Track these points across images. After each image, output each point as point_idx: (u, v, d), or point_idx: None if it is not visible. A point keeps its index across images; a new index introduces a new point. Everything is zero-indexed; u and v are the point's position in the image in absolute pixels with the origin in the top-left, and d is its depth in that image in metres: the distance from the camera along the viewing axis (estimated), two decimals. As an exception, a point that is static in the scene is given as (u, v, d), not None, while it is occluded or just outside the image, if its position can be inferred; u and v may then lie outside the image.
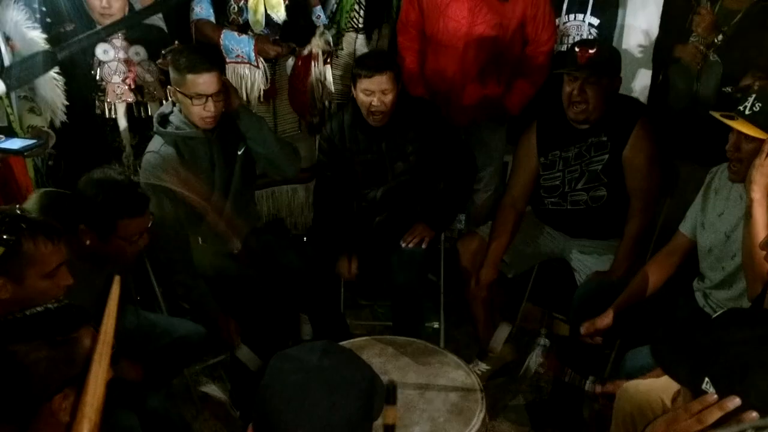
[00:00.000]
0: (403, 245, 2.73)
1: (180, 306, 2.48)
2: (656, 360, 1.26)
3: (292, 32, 2.87)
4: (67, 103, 2.52)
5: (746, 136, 1.90)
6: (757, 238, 1.79)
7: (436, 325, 3.00)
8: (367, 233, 2.84)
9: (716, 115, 1.95)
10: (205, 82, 2.33)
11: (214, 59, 2.46)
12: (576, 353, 2.37)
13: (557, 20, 3.01)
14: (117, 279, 1.39)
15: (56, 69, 2.46)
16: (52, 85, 2.46)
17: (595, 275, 2.53)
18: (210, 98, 2.35)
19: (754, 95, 1.90)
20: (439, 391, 1.92)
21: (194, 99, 2.34)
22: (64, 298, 1.66)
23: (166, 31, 2.80)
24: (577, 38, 2.99)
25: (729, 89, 2.44)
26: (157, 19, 2.77)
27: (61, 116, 2.52)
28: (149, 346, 2.14)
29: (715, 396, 1.10)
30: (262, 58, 2.83)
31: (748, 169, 1.84)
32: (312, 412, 1.08)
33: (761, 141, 1.85)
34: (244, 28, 2.83)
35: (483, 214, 3.17)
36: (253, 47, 2.78)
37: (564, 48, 3.02)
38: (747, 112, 1.90)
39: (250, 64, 2.82)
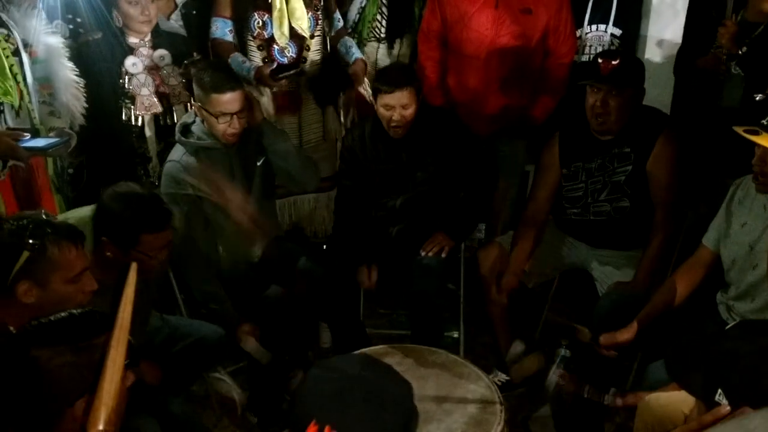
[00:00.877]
0: (423, 254, 2.73)
1: (200, 311, 2.49)
2: (669, 372, 1.25)
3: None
4: (87, 106, 2.53)
5: None
6: None
7: (455, 335, 2.99)
8: (387, 242, 2.84)
9: (739, 130, 1.94)
10: (229, 100, 2.37)
11: (237, 77, 2.50)
12: (597, 365, 2.35)
13: (579, 31, 3.00)
14: (134, 265, 1.40)
15: (76, 72, 2.49)
16: (71, 89, 2.49)
17: (617, 286, 2.51)
18: (235, 116, 2.40)
19: None
20: (458, 403, 1.90)
21: (219, 117, 2.38)
22: (88, 304, 1.69)
23: (187, 36, 2.84)
24: (599, 49, 2.98)
25: (758, 96, 2.40)
26: (178, 27, 2.81)
27: (80, 119, 2.53)
28: (170, 348, 2.16)
29: (728, 408, 1.09)
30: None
31: None
32: (352, 423, 1.06)
33: None
34: (269, 41, 2.86)
35: (504, 224, 3.17)
36: (253, 74, 2.79)
37: (585, 58, 3.02)
38: None
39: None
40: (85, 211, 2.06)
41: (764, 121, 1.91)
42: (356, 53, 2.99)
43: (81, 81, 2.51)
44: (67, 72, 2.47)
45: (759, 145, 1.92)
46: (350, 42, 3.02)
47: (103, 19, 2.62)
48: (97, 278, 1.72)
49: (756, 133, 1.91)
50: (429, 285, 2.71)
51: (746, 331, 1.18)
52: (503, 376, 2.74)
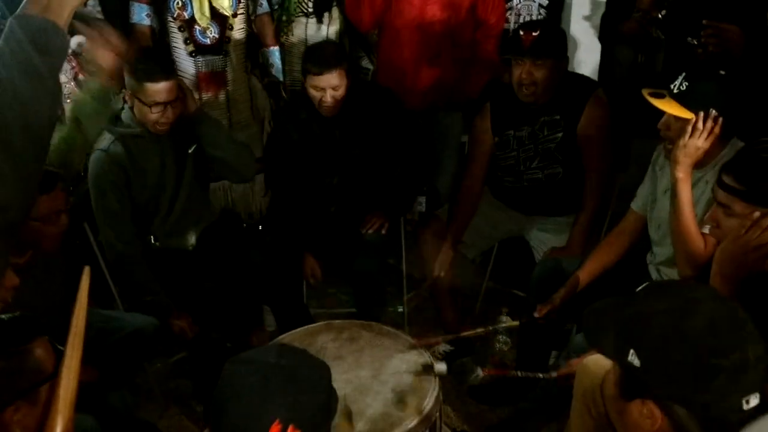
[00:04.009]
0: (363, 232, 2.73)
1: (138, 304, 2.44)
2: (584, 334, 1.27)
3: None
4: None
5: (674, 115, 1.92)
6: (683, 217, 1.83)
7: (400, 309, 3.02)
8: (327, 221, 2.83)
9: (645, 93, 1.96)
10: (163, 89, 2.32)
11: (170, 66, 2.45)
12: (537, 331, 2.41)
13: (509, 2, 3.02)
14: (87, 269, 1.36)
15: None
16: None
17: (551, 251, 2.56)
18: (168, 105, 2.35)
19: (683, 74, 1.92)
20: (393, 373, 1.94)
21: (152, 107, 2.33)
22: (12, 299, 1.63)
23: (104, 20, 2.74)
24: (527, 18, 3.01)
25: (693, 41, 2.40)
26: (95, 12, 2.71)
27: None
28: (103, 342, 2.11)
29: None
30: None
31: (672, 149, 1.87)
32: (274, 411, 1.07)
33: (688, 120, 1.87)
34: (190, 22, 2.79)
35: (443, 196, 3.19)
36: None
37: (514, 27, 3.05)
38: (675, 90, 1.92)
39: None
40: None
41: (671, 86, 1.93)
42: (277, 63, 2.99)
43: None
44: None
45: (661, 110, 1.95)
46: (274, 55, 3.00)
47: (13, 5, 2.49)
48: (13, 263, 1.66)
49: (661, 96, 1.94)
50: (370, 263, 2.71)
51: (654, 291, 1.21)
52: (447, 347, 2.78)
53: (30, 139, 1.09)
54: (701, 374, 1.05)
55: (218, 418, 1.10)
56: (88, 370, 1.90)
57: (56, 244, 2.01)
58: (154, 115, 2.34)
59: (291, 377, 1.11)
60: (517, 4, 3.08)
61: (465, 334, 2.31)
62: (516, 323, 2.24)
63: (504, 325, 2.29)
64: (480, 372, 2.04)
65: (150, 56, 2.43)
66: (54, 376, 1.28)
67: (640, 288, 1.21)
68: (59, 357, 1.35)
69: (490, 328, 2.25)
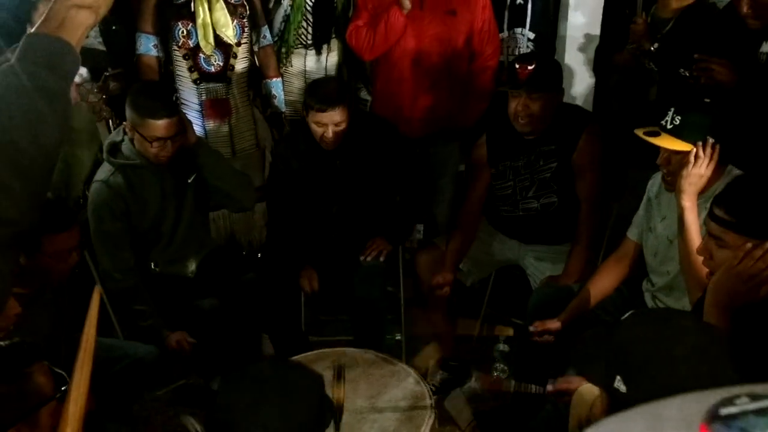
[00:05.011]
0: (362, 259, 2.75)
1: (136, 330, 2.45)
2: (572, 362, 1.29)
3: None
4: None
5: (673, 150, 1.97)
6: (691, 244, 1.85)
7: (398, 337, 3.02)
8: (326, 250, 2.85)
9: (639, 133, 2.02)
10: (164, 126, 2.35)
11: (173, 103, 2.51)
12: (535, 357, 2.42)
13: (501, 34, 3.08)
14: (97, 290, 1.39)
15: None
16: None
17: (548, 280, 2.58)
18: (169, 140, 2.38)
19: (673, 109, 1.97)
20: (389, 401, 1.95)
21: (153, 142, 2.36)
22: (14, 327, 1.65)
23: (105, 51, 2.79)
24: (517, 51, 3.07)
25: (686, 72, 2.47)
26: (97, 43, 2.76)
27: None
28: (104, 372, 2.11)
29: None
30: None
31: (677, 180, 1.91)
32: (267, 421, 1.10)
33: (687, 152, 1.92)
34: (194, 50, 2.83)
35: (441, 225, 3.21)
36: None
37: (503, 59, 3.11)
38: (669, 126, 1.97)
39: None
40: None
41: (663, 122, 1.98)
42: (279, 95, 3.03)
43: None
44: None
45: (660, 147, 2.00)
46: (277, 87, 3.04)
47: (15, 35, 2.53)
48: (17, 293, 1.68)
49: (656, 134, 1.99)
50: (370, 290, 2.73)
51: (640, 319, 1.23)
52: (445, 374, 2.79)
53: (39, 157, 1.11)
54: None
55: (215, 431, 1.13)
56: (88, 399, 1.92)
57: (64, 278, 2.05)
58: (154, 149, 2.38)
59: (282, 387, 1.13)
60: (506, 37, 3.13)
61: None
62: (510, 331, 2.26)
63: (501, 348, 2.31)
64: (474, 382, 2.05)
65: (153, 92, 2.47)
66: (53, 399, 1.29)
67: (625, 316, 1.23)
68: (58, 381, 1.38)
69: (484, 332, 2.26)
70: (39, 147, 1.10)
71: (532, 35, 3.10)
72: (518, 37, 3.13)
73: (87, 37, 2.68)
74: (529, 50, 3.09)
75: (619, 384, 1.11)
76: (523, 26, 3.11)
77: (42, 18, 1.14)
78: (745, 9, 2.22)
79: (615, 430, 0.53)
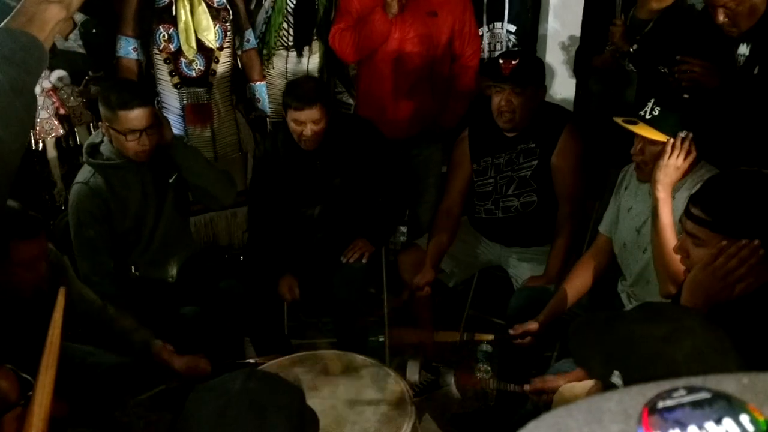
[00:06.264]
0: (344, 261, 2.75)
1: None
2: (571, 352, 1.29)
3: None
4: None
5: (649, 139, 1.98)
6: (663, 236, 1.87)
7: (381, 339, 3.02)
8: (308, 251, 2.84)
9: (618, 120, 2.03)
10: (137, 117, 2.32)
11: (144, 94, 2.46)
12: (517, 358, 2.42)
13: (480, 29, 3.09)
14: (62, 290, 1.37)
15: None
16: None
17: (529, 281, 2.58)
18: (144, 132, 2.35)
19: (653, 100, 1.99)
20: (369, 403, 1.95)
21: (128, 135, 2.33)
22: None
23: (85, 54, 2.78)
24: (498, 46, 3.08)
25: (665, 69, 2.49)
26: (77, 46, 2.75)
27: None
28: (80, 378, 2.09)
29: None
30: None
31: (653, 170, 1.92)
32: None
33: (664, 143, 1.94)
34: (176, 54, 2.83)
35: (424, 226, 3.21)
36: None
37: (486, 56, 3.12)
38: (647, 116, 1.99)
39: None
40: None
41: (641, 112, 2.00)
42: (263, 98, 3.02)
43: None
44: None
45: (636, 134, 2.02)
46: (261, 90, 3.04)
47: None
48: None
49: (634, 123, 2.01)
50: (351, 292, 2.73)
51: (643, 313, 1.22)
52: (429, 376, 2.78)
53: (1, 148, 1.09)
54: None
55: None
56: (60, 405, 1.90)
57: (30, 291, 1.97)
58: (130, 143, 2.34)
59: (255, 402, 1.09)
60: (486, 32, 3.14)
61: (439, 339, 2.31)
62: (491, 336, 2.26)
63: (484, 348, 2.31)
64: (452, 380, 2.05)
65: (122, 85, 2.45)
66: (17, 405, 1.28)
67: (631, 308, 1.22)
68: (24, 385, 1.36)
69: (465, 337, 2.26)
70: None
71: (513, 27, 3.12)
72: (498, 32, 3.14)
73: (66, 39, 2.68)
74: (510, 43, 3.11)
75: (617, 379, 1.11)
76: (502, 20, 3.12)
77: (12, 12, 1.14)
78: (721, 18, 2.24)
79: (555, 422, 0.53)
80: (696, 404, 0.50)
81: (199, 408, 1.09)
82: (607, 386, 1.15)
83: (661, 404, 0.51)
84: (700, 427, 0.48)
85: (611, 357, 1.14)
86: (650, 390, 0.53)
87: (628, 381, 1.11)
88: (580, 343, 1.23)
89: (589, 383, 1.82)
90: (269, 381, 1.18)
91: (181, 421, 1.10)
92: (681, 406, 0.50)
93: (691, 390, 0.51)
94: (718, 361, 1.09)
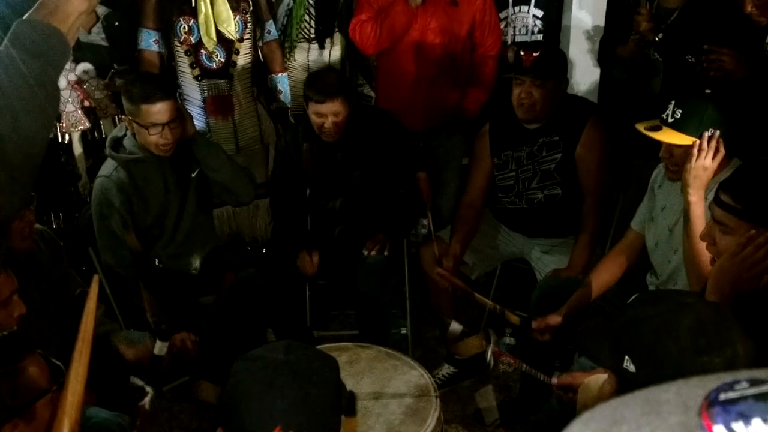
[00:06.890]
0: (365, 253, 2.74)
1: (139, 324, 2.43)
2: (579, 349, 1.30)
3: None
4: None
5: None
6: (695, 240, 1.83)
7: (403, 331, 3.02)
8: (330, 244, 2.84)
9: (641, 128, 1.99)
10: (160, 110, 2.33)
11: (167, 87, 2.47)
12: (540, 351, 2.40)
13: (504, 12, 3.07)
14: (95, 278, 1.38)
15: None
16: None
17: (553, 273, 2.56)
18: (166, 126, 2.35)
19: (673, 102, 1.95)
20: (394, 395, 1.95)
21: (151, 128, 2.34)
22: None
23: (109, 47, 2.79)
24: (523, 30, 3.06)
25: (692, 59, 2.44)
26: (100, 39, 2.75)
27: None
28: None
29: None
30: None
31: (682, 173, 1.89)
32: (285, 405, 1.08)
33: (690, 145, 1.90)
34: (196, 47, 2.83)
35: (445, 217, 3.20)
36: None
37: (509, 40, 3.11)
38: (670, 120, 1.95)
39: None
40: None
41: (663, 116, 1.96)
42: (285, 90, 3.02)
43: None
44: None
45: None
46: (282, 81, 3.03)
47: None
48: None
49: (658, 129, 1.97)
50: (373, 284, 2.72)
51: (646, 299, 1.23)
52: (451, 369, 2.78)
53: (23, 143, 1.10)
54: (693, 373, 1.06)
55: (229, 417, 1.12)
56: (89, 394, 1.91)
57: (25, 240, 1.94)
58: (153, 136, 2.35)
59: (299, 372, 1.11)
60: (511, 15, 3.12)
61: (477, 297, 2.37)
62: (518, 320, 2.26)
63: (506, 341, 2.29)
64: (490, 351, 2.03)
65: (146, 79, 2.45)
66: (48, 392, 1.29)
67: (631, 299, 1.23)
68: (54, 371, 1.37)
69: (497, 307, 2.25)
70: (21, 133, 1.09)
71: (540, 13, 3.09)
72: (524, 16, 3.11)
73: (89, 32, 2.70)
74: (536, 28, 3.08)
75: (628, 364, 1.12)
76: (528, 4, 3.10)
77: (36, 5, 1.14)
78: (749, 7, 2.19)
79: (612, 413, 0.52)
80: (760, 397, 0.48)
81: (246, 377, 1.12)
82: (620, 375, 1.15)
83: (723, 396, 0.49)
84: (765, 420, 0.47)
85: (620, 342, 1.16)
86: (710, 382, 0.52)
87: (640, 364, 1.11)
88: (589, 338, 1.24)
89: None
90: (309, 353, 1.21)
91: (229, 392, 1.12)
92: (744, 398, 0.49)
93: (754, 382, 0.50)
94: (722, 332, 1.10)
